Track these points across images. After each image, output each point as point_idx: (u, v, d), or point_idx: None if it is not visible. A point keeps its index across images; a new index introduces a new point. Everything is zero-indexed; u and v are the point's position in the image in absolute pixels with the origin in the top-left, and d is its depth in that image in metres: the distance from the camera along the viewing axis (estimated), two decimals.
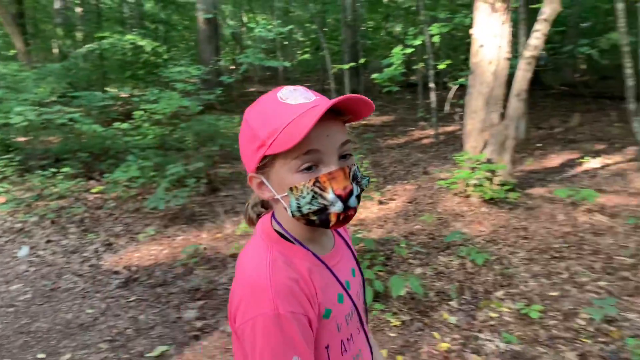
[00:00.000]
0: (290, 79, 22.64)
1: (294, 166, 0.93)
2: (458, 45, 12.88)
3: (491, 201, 5.49)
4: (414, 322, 3.26)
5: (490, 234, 4.79)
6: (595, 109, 11.63)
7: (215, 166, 7.38)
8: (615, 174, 6.72)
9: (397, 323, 3.24)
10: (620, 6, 3.04)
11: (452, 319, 3.29)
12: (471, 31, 5.77)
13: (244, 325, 0.94)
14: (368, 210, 5.58)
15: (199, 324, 3.42)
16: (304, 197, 0.93)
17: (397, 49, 7.96)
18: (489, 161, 5.54)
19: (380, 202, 5.79)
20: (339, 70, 9.77)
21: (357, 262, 1.17)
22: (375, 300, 3.42)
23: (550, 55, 14.52)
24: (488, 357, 2.88)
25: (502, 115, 5.65)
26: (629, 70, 3.23)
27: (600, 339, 3.04)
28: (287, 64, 11.35)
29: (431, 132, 9.85)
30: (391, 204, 5.78)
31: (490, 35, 5.45)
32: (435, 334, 3.12)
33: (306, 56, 17.48)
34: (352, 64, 9.54)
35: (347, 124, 1.02)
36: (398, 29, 12.73)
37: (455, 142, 8.80)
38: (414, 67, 10.63)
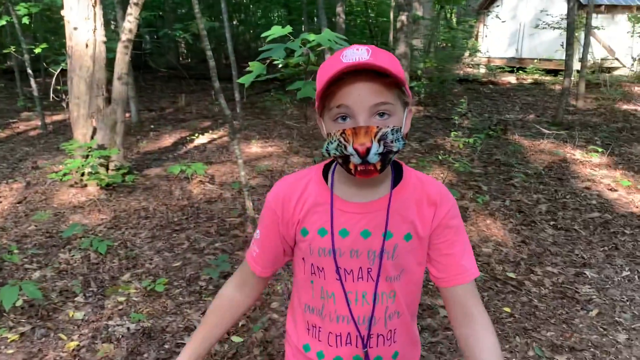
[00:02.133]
0: None
1: (332, 115, 1.05)
2: (57, 28, 11.94)
3: (109, 187, 5.42)
4: (36, 330, 2.99)
5: (112, 220, 4.73)
6: (199, 90, 12.69)
7: None
8: (221, 146, 7.55)
9: (16, 337, 2.90)
10: None
11: (79, 315, 3.15)
12: (62, 13, 5.43)
13: None
14: None
15: None
16: (332, 143, 1.06)
17: None
18: (101, 147, 5.42)
19: None
20: None
21: (385, 235, 1.15)
22: None
23: (153, 39, 15.00)
24: (120, 342, 2.89)
25: (109, 100, 5.57)
26: (209, 53, 3.63)
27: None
28: None
29: (38, 122, 8.98)
30: None
31: (82, 18, 5.25)
32: (62, 335, 2.94)
33: None
34: None
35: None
36: None
37: (66, 131, 8.26)
38: (5, 51, 9.38)
